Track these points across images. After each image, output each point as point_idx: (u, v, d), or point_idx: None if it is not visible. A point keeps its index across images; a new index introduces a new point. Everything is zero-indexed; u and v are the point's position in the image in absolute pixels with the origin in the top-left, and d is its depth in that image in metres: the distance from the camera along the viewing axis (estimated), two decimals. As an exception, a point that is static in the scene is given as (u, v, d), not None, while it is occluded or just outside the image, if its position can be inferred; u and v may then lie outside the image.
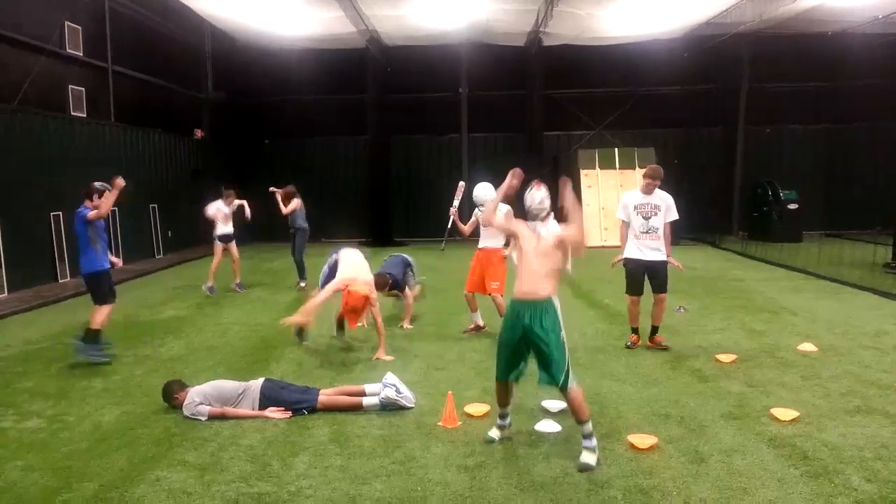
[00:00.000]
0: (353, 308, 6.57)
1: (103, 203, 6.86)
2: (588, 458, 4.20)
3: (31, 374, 6.50)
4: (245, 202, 11.44)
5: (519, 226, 4.69)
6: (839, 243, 15.02)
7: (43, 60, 12.70)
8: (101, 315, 6.87)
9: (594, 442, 4.27)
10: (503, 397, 4.66)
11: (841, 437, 4.58)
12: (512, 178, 4.98)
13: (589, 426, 4.28)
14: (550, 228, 4.57)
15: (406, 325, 8.21)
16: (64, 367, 6.71)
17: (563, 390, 4.31)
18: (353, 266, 7.02)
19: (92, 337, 6.78)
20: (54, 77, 13.21)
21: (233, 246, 11.18)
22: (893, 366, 6.28)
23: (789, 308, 9.07)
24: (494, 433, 4.68)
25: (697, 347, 7.06)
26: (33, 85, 12.37)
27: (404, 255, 8.68)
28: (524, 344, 4.41)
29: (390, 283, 7.95)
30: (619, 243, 7.31)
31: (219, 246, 11.03)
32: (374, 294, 6.90)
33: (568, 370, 4.31)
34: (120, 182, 6.88)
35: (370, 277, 7.03)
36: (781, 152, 19.90)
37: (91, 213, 6.87)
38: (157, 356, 7.14)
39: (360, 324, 7.38)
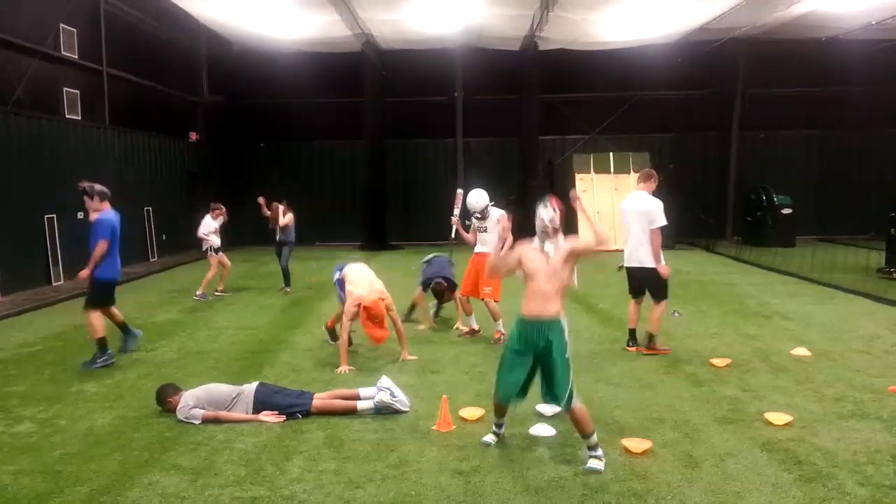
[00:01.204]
0: (376, 317, 6.45)
1: None
2: (595, 464, 4.21)
3: (23, 378, 6.47)
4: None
5: (523, 253, 4.51)
6: (833, 248, 15.10)
7: (37, 62, 12.68)
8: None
9: (600, 452, 4.27)
10: (500, 411, 4.66)
11: (834, 441, 4.60)
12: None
13: (594, 438, 4.27)
14: (559, 245, 4.42)
15: (460, 326, 8.23)
16: (58, 370, 6.69)
17: (567, 410, 4.30)
18: (360, 282, 6.87)
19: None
20: (49, 79, 13.18)
21: (223, 255, 11.32)
22: (886, 370, 6.30)
23: (783, 313, 9.10)
24: (490, 438, 4.68)
25: (692, 352, 7.07)
26: (28, 87, 12.35)
27: (443, 255, 8.82)
28: (529, 364, 4.37)
29: (446, 286, 8.22)
30: (620, 248, 7.27)
31: (214, 257, 11.12)
32: (389, 298, 6.82)
33: (572, 391, 4.26)
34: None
35: (379, 284, 6.93)
36: (775, 157, 20.00)
37: None
38: (150, 360, 7.11)
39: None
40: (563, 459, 4.36)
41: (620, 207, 7.08)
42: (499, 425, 4.71)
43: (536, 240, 4.49)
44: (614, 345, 7.34)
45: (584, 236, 4.74)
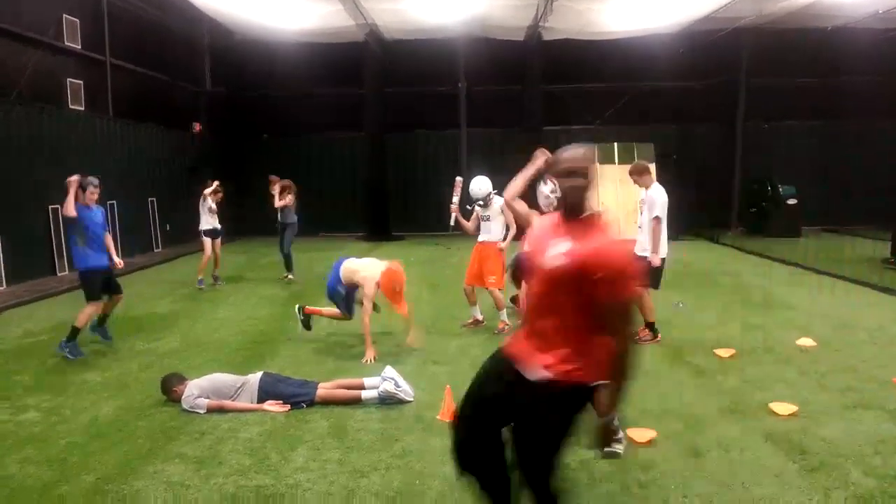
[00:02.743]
0: (399, 287, 6.55)
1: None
2: (615, 446, 4.23)
3: (28, 368, 6.49)
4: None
5: (531, 215, 4.70)
6: (838, 238, 15.06)
7: (41, 53, 12.66)
8: (83, 313, 6.84)
9: (620, 434, 4.27)
10: None
11: (839, 431, 4.59)
12: (538, 159, 4.41)
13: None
14: None
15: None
16: (61, 360, 6.70)
17: None
18: (368, 267, 6.88)
19: (73, 334, 6.75)
20: (52, 70, 13.15)
21: (217, 242, 11.21)
22: (891, 361, 6.28)
23: (787, 303, 9.07)
24: None
25: (696, 342, 7.06)
26: (31, 78, 12.32)
27: None
28: None
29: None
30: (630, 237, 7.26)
31: (207, 241, 11.09)
32: None
33: None
34: (71, 179, 7.00)
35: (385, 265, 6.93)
36: (780, 148, 19.90)
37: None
38: (153, 350, 7.12)
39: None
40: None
41: (654, 199, 6.95)
42: None
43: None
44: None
45: None
